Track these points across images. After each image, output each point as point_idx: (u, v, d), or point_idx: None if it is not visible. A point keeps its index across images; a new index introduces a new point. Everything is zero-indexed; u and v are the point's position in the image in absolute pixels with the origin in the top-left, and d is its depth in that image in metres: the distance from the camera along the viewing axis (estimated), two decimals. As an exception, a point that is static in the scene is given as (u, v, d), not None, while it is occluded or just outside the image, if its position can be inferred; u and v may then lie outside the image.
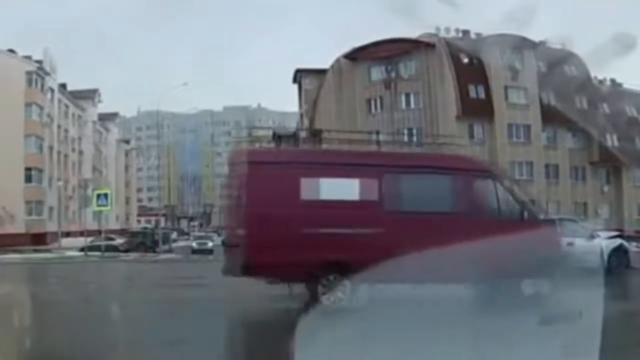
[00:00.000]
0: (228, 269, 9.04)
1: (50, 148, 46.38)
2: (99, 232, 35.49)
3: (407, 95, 38.82)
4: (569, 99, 36.83)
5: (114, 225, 56.92)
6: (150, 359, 6.38)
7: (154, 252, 33.70)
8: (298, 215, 8.26)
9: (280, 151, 9.52)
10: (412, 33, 38.91)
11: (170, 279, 17.73)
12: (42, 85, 44.92)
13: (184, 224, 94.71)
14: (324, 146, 11.12)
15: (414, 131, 38.46)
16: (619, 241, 15.46)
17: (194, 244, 37.43)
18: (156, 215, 58.08)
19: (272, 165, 8.75)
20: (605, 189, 39.06)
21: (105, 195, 30.06)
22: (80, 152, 55.87)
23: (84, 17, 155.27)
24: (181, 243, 44.63)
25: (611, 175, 39.64)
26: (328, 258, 8.05)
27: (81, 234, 35.15)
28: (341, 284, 7.92)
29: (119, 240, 35.71)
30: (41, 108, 44.18)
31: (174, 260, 28.93)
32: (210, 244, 36.69)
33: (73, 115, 54.45)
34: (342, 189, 8.46)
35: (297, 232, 8.01)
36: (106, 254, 29.67)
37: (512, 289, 8.16)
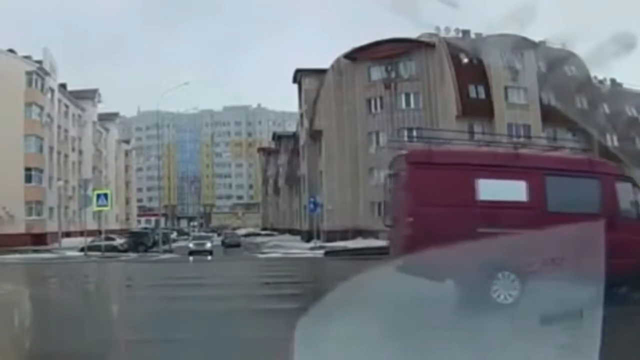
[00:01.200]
0: (403, 267, 9.12)
1: (50, 148, 46.36)
2: (99, 232, 35.51)
3: (407, 95, 38.82)
4: (569, 99, 36.83)
5: (114, 225, 56.95)
6: (148, 358, 6.38)
7: (147, 252, 33.73)
8: (474, 215, 8.50)
9: (444, 152, 9.72)
10: (412, 33, 38.98)
11: (169, 279, 17.73)
12: (42, 85, 44.92)
13: (183, 224, 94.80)
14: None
15: (414, 131, 38.54)
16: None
17: (191, 245, 35.39)
18: (156, 215, 58.15)
19: (439, 166, 9.03)
20: (606, 188, 39.01)
21: (105, 195, 30.12)
22: (80, 152, 55.87)
23: (84, 17, 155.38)
24: (181, 243, 44.61)
25: (611, 175, 39.61)
26: (502, 258, 8.41)
27: (81, 234, 35.16)
28: (512, 282, 8.22)
29: (118, 241, 35.69)
30: (41, 108, 44.17)
31: (174, 261, 28.94)
32: (208, 245, 35.05)
33: (73, 115, 54.45)
34: (512, 190, 8.90)
35: (472, 232, 8.10)
36: (106, 254, 29.71)
37: None
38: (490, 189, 8.78)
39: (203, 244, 35.03)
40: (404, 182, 9.31)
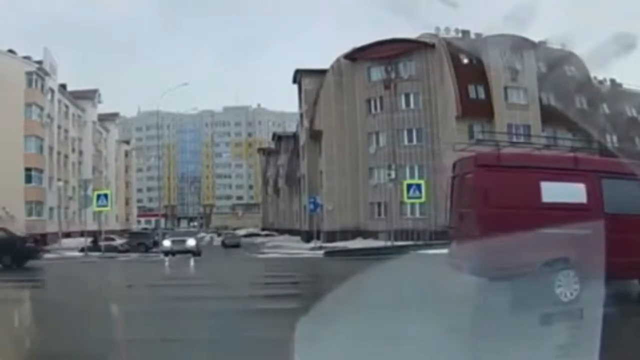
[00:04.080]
0: (465, 268, 9.39)
1: (50, 148, 46.37)
2: (99, 232, 35.50)
3: (407, 96, 38.83)
4: (568, 99, 36.83)
5: (114, 225, 56.96)
6: (148, 358, 6.38)
7: (147, 252, 33.63)
8: (538, 216, 8.79)
9: (511, 155, 10.15)
10: (412, 33, 38.97)
11: (169, 279, 17.73)
12: (42, 86, 44.92)
13: (184, 224, 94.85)
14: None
15: (414, 132, 38.58)
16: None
17: (167, 243, 29.61)
18: (156, 215, 58.16)
19: (506, 169, 9.46)
20: (606, 189, 38.98)
21: (105, 195, 30.08)
22: (80, 153, 55.90)
23: (84, 18, 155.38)
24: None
25: (611, 175, 39.56)
26: (564, 256, 8.70)
27: (81, 234, 35.16)
28: (573, 279, 8.67)
29: (118, 241, 35.68)
30: (41, 108, 44.18)
31: (173, 261, 28.90)
32: (191, 243, 29.38)
33: (73, 115, 54.47)
34: (572, 192, 9.35)
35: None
36: (106, 254, 29.73)
37: None
38: (552, 191, 9.21)
39: (183, 242, 29.36)
40: (472, 184, 9.68)
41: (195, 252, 28.55)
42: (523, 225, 8.18)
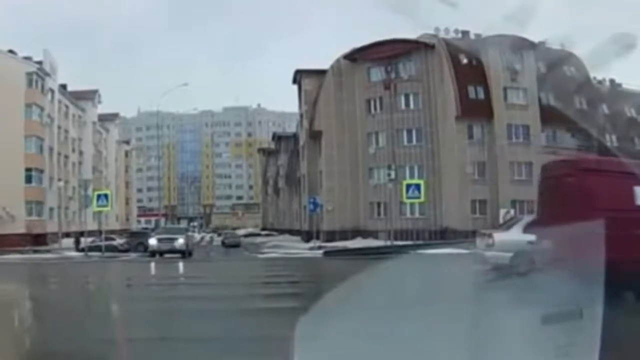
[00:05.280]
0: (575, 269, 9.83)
1: (51, 149, 46.40)
2: (99, 232, 35.51)
3: (407, 96, 38.86)
4: (568, 99, 36.85)
5: (114, 225, 56.97)
6: (148, 357, 6.38)
7: (146, 252, 33.50)
8: (634, 219, 9.44)
9: (609, 161, 11.06)
10: (412, 34, 38.97)
11: (169, 279, 17.74)
12: (43, 86, 44.96)
13: (184, 224, 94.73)
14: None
15: (414, 132, 38.61)
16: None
17: (153, 242, 26.80)
18: (156, 215, 58.18)
19: (605, 173, 10.11)
20: (605, 189, 38.97)
21: (105, 195, 30.10)
22: (81, 153, 55.92)
23: (84, 18, 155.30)
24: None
25: (611, 175, 39.57)
26: None
27: (81, 234, 35.17)
28: None
29: (118, 241, 35.70)
30: (41, 109, 44.22)
31: (173, 261, 28.90)
32: (180, 242, 26.40)
33: (73, 115, 54.50)
34: None
35: (632, 234, 9.16)
36: (106, 254, 29.73)
37: None
38: None
39: (171, 241, 26.36)
40: (575, 187, 10.27)
41: (184, 253, 26.10)
42: (620, 227, 8.37)
